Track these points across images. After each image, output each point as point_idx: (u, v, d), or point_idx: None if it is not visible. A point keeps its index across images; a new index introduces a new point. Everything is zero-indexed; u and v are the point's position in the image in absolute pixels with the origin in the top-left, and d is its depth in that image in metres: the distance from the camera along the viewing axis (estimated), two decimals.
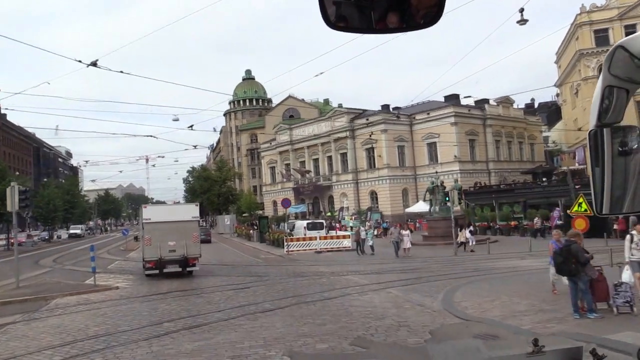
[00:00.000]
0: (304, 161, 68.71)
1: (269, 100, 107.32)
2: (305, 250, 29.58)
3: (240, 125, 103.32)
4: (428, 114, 58.38)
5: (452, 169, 55.47)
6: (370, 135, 58.25)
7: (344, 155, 63.38)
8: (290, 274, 19.73)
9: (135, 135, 42.62)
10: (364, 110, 63.07)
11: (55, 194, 57.33)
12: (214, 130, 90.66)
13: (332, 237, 30.68)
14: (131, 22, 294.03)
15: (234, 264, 25.23)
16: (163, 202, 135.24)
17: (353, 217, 55.35)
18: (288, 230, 40.98)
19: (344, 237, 30.74)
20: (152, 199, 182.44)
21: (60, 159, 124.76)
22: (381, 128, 58.46)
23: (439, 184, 34.08)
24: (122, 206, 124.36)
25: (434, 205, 33.62)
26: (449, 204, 27.56)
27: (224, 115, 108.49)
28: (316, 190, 64.84)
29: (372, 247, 27.27)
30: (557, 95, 68.97)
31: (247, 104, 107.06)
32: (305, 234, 33.22)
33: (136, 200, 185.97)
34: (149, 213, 20.11)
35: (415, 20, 1.31)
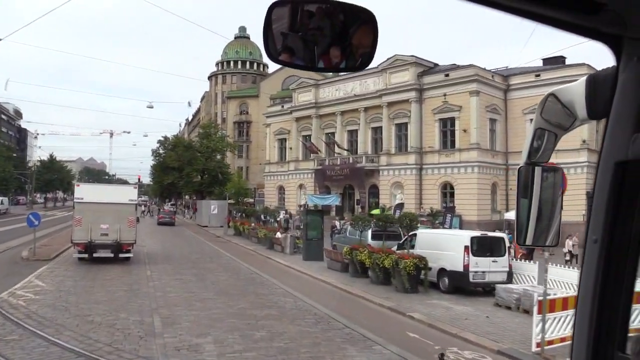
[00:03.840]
0: (334, 133, 47.96)
1: (266, 65, 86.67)
2: None
3: (229, 92, 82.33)
4: (538, 75, 38.59)
5: (575, 160, 35.83)
6: (444, 97, 38.66)
7: (402, 126, 42.91)
8: None
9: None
10: (436, 65, 42.90)
11: None
12: (189, 105, 69.50)
13: None
14: None
15: None
16: (117, 181, 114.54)
17: (422, 222, 35.21)
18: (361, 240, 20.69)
19: None
20: (114, 175, 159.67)
21: (4, 116, 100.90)
22: (472, 88, 38.36)
23: None
24: (73, 177, 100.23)
25: None
26: None
27: (209, 78, 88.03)
28: (352, 175, 44.16)
29: None
30: None
31: (240, 67, 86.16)
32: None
33: (96, 175, 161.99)
34: (82, 192, 19.28)
35: (355, 59, 1.34)
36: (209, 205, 50.30)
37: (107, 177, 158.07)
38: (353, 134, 47.04)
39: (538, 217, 1.48)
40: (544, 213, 1.48)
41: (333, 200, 43.01)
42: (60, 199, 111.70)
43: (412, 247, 16.97)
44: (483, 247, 14.81)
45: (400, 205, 39.18)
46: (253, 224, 33.05)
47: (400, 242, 18.21)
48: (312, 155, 48.42)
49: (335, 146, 45.72)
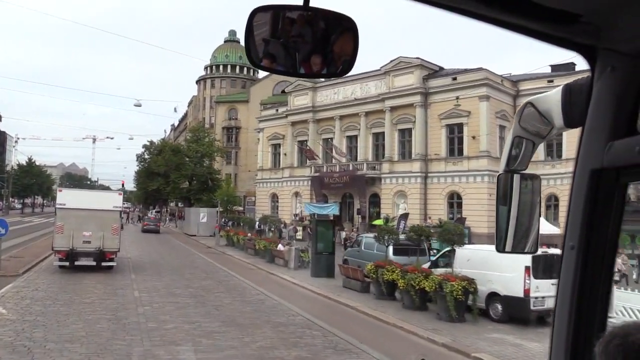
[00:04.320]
0: (332, 138, 45.47)
1: (256, 70, 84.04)
2: None
3: (217, 96, 79.55)
4: (551, 81, 36.59)
5: None
6: (457, 99, 36.31)
7: (405, 132, 40.62)
8: None
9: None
10: (442, 68, 40.79)
11: None
12: (175, 110, 67.06)
13: None
14: None
15: None
16: (98, 187, 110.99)
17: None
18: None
19: None
20: (96, 181, 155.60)
21: None
22: (482, 93, 36.25)
23: None
24: (53, 182, 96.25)
25: None
26: None
27: (197, 82, 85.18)
28: (352, 183, 41.68)
29: None
30: None
31: (229, 71, 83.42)
32: None
33: (77, 181, 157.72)
34: (64, 198, 18.51)
35: (336, 66, 1.36)
36: (197, 213, 47.41)
37: (89, 182, 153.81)
38: (352, 140, 44.62)
39: (517, 224, 1.47)
40: (522, 220, 1.47)
41: (332, 209, 40.31)
42: (39, 204, 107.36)
43: (446, 265, 14.53)
44: (543, 267, 12.35)
45: (404, 216, 36.61)
46: (249, 234, 30.29)
47: (434, 258, 15.71)
48: (308, 161, 45.85)
49: (334, 152, 43.17)
